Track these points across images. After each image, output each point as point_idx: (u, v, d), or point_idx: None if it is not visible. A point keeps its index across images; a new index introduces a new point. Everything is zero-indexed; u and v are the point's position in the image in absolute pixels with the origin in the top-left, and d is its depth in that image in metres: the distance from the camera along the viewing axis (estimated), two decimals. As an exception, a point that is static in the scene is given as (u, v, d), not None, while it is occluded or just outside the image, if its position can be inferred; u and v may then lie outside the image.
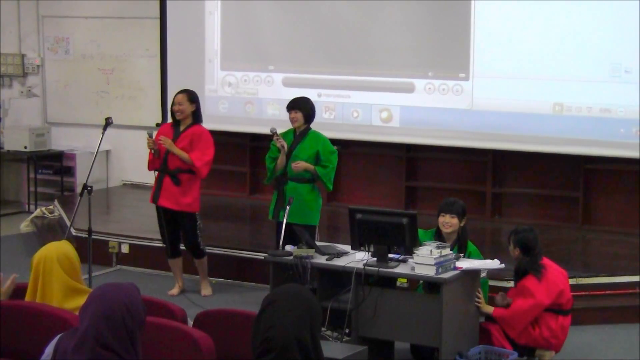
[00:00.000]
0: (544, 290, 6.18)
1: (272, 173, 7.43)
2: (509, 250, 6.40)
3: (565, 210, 9.70)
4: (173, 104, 7.80)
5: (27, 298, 4.49)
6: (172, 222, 7.89)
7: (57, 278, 4.40)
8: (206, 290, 8.06)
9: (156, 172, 7.85)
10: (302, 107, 7.38)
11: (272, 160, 7.41)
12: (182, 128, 7.79)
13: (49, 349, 3.35)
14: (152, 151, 7.73)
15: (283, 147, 7.27)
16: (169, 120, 8.07)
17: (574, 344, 6.76)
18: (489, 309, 6.25)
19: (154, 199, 7.83)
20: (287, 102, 7.53)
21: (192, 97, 7.83)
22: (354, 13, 10.08)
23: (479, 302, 6.23)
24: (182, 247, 8.03)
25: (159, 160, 7.78)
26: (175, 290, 8.05)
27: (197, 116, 7.84)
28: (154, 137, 7.74)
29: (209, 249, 8.34)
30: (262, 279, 7.86)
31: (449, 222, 6.40)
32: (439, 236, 6.43)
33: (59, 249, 4.51)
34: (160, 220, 7.93)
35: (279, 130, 7.44)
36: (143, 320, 3.30)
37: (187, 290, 8.10)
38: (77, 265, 4.50)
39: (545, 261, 6.35)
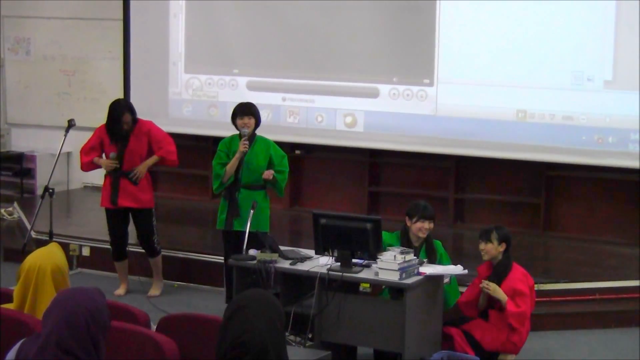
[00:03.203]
0: (528, 288, 6.27)
1: (222, 180, 7.28)
2: (483, 247, 6.32)
3: (527, 216, 9.76)
4: (120, 124, 7.69)
5: (13, 307, 4.33)
6: (125, 223, 7.94)
7: (49, 294, 4.20)
8: (155, 291, 8.03)
9: (106, 175, 7.89)
10: (254, 113, 7.31)
11: (222, 167, 7.26)
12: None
13: (11, 354, 3.30)
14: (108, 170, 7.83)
15: (244, 153, 7.22)
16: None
17: (534, 349, 6.81)
18: (503, 296, 6.21)
19: (112, 202, 7.80)
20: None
21: (131, 107, 7.84)
22: (319, 18, 10.08)
23: (488, 289, 6.21)
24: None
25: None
26: (121, 291, 8.08)
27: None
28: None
29: (170, 253, 8.32)
30: (223, 283, 7.82)
31: (427, 228, 6.42)
32: (405, 238, 6.44)
33: (54, 260, 4.31)
34: (114, 223, 7.93)
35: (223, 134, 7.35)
36: (107, 325, 3.27)
37: (135, 290, 8.10)
38: (67, 278, 4.38)
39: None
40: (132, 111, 7.78)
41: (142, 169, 7.80)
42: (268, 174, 7.22)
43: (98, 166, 7.93)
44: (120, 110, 7.74)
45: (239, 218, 7.18)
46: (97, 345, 3.18)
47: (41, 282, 4.26)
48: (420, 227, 6.40)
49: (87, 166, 7.95)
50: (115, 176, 7.80)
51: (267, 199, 7.38)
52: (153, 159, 7.85)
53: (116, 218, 7.91)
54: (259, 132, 7.40)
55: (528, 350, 6.54)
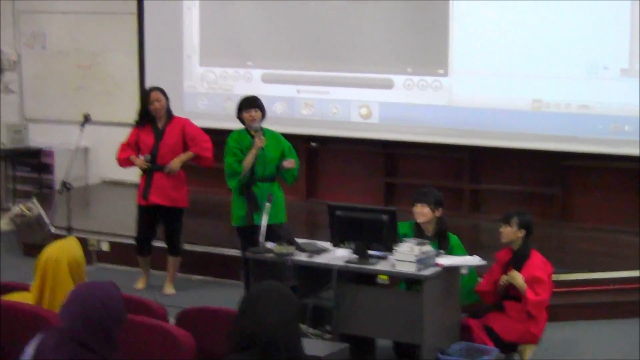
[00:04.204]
0: (547, 276, 6.27)
1: (240, 177, 7.24)
2: (502, 230, 6.32)
3: (542, 206, 9.72)
4: (150, 102, 7.77)
5: (32, 299, 4.38)
6: (156, 220, 7.93)
7: (66, 286, 4.23)
8: (170, 289, 8.06)
9: (142, 171, 7.88)
10: (261, 106, 7.30)
11: (239, 164, 7.22)
12: (160, 125, 7.81)
13: (30, 349, 3.34)
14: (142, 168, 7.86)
15: (261, 148, 7.20)
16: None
17: (551, 340, 6.79)
18: (522, 284, 6.18)
19: (144, 196, 7.82)
20: (265, 99, 7.51)
21: (164, 91, 7.90)
22: (333, 9, 10.07)
23: (506, 281, 6.21)
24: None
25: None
26: (141, 284, 8.13)
27: (170, 109, 7.91)
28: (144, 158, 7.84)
29: (189, 246, 8.34)
30: (242, 278, 7.84)
31: (420, 212, 6.40)
32: (418, 228, 6.44)
33: (70, 253, 4.34)
34: (143, 219, 7.94)
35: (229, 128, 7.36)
36: (122, 319, 3.30)
37: (154, 285, 8.10)
38: (84, 270, 4.41)
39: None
40: (162, 92, 7.84)
41: (175, 163, 7.82)
42: (291, 162, 7.23)
43: (133, 164, 7.95)
44: (149, 90, 7.91)
45: (258, 212, 7.17)
46: (113, 338, 3.22)
47: (58, 274, 4.30)
48: (414, 212, 6.40)
49: (123, 162, 8.00)
50: (148, 171, 7.83)
51: (281, 189, 7.40)
52: (187, 154, 7.89)
53: (146, 214, 7.91)
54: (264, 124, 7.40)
55: (545, 341, 6.52)
